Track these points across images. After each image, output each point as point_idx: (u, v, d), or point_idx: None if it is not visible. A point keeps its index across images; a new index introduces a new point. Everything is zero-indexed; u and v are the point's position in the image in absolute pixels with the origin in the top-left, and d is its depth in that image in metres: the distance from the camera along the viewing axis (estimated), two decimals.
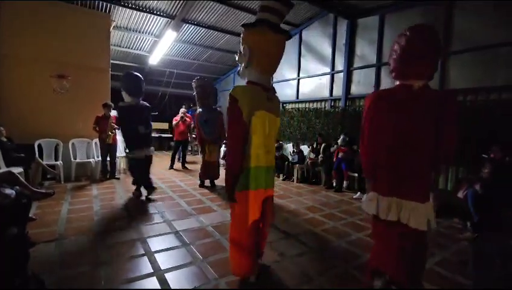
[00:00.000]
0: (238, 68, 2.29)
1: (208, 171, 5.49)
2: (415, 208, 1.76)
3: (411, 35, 1.75)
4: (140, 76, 4.47)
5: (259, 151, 2.11)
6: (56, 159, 5.41)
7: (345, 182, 5.68)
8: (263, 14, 2.13)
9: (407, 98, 1.79)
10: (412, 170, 1.80)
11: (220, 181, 5.70)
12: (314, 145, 6.55)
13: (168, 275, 2.29)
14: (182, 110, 7.52)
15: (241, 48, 2.16)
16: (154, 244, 2.84)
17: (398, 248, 1.81)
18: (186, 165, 7.54)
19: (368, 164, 1.96)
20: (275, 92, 2.34)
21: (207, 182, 5.54)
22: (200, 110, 5.46)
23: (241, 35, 2.20)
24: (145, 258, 2.55)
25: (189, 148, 9.24)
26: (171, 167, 7.29)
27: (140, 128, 4.31)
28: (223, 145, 8.61)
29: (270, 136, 2.22)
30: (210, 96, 5.52)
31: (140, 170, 4.42)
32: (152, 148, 4.56)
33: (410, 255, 1.80)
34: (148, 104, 4.66)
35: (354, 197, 5.13)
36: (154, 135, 11.61)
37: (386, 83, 5.82)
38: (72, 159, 5.53)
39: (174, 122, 7.43)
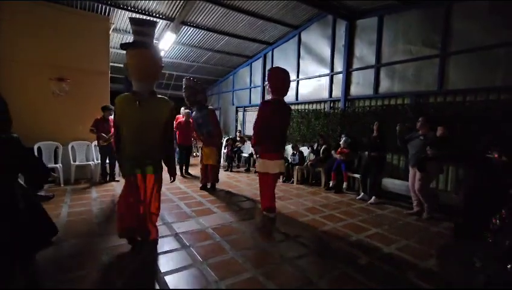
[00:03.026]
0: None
1: (206, 175, 5.34)
2: (281, 163, 3.96)
3: (278, 74, 3.87)
4: None
5: (130, 144, 2.63)
6: (56, 161, 5.42)
7: (344, 183, 5.69)
8: (134, 36, 2.65)
9: (277, 105, 3.86)
10: (278, 143, 3.94)
11: (220, 184, 5.70)
12: (315, 147, 6.56)
13: (167, 278, 2.29)
14: (186, 110, 6.99)
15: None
16: None
17: (273, 185, 3.98)
18: (189, 170, 7.10)
19: (258, 141, 3.91)
20: (154, 96, 2.72)
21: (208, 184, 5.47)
22: (194, 111, 5.34)
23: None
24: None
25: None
26: (182, 174, 6.85)
27: None
28: (224, 146, 8.39)
29: (145, 133, 2.64)
30: (198, 93, 5.21)
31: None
32: None
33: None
34: None
35: (357, 198, 5.14)
36: None
37: (385, 83, 5.83)
38: (72, 162, 5.53)
39: (175, 123, 6.82)
